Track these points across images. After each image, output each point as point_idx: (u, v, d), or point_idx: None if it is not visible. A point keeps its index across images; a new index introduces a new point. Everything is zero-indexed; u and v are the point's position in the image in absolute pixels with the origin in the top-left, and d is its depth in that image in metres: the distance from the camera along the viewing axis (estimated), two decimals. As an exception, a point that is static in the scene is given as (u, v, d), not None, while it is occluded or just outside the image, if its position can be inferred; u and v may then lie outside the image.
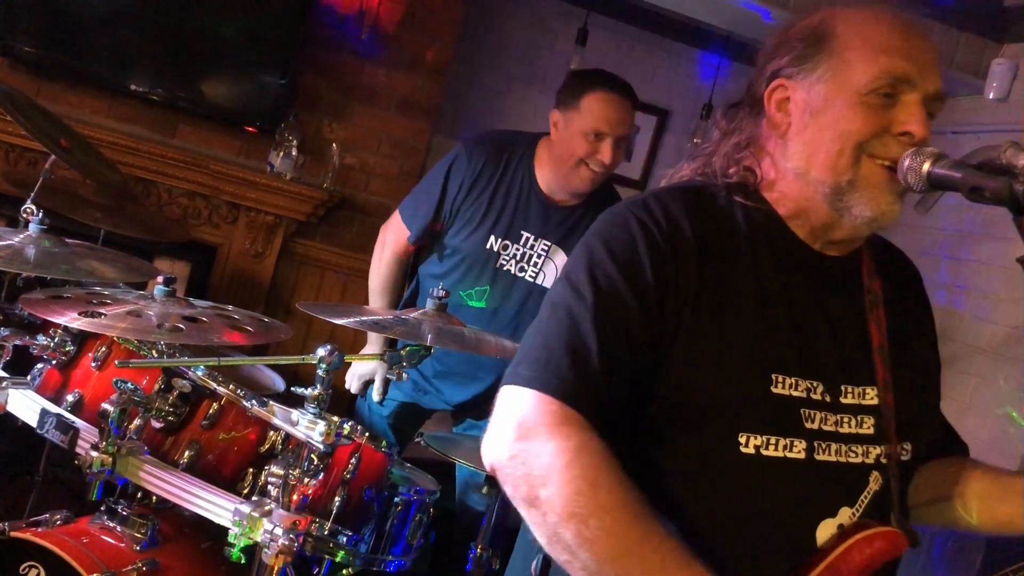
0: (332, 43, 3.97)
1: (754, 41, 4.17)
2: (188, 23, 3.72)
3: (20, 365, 1.87)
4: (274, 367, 2.54)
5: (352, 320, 1.78)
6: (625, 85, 2.46)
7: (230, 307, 1.87)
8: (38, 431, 1.69)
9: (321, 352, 1.54)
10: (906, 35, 1.20)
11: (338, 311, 1.88)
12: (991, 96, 3.79)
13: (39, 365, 1.85)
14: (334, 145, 4.00)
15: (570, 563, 1.03)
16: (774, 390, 1.16)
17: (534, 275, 2.53)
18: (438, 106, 4.20)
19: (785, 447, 1.15)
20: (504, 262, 2.53)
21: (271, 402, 1.63)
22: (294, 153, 3.88)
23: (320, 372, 1.55)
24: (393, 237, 2.67)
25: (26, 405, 1.75)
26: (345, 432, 1.57)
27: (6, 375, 1.81)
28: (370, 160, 4.12)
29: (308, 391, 1.55)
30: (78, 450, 1.63)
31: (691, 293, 1.16)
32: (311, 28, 3.89)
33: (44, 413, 1.69)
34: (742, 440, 1.13)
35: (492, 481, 1.19)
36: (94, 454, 1.56)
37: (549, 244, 2.51)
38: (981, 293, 3.72)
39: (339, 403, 3.88)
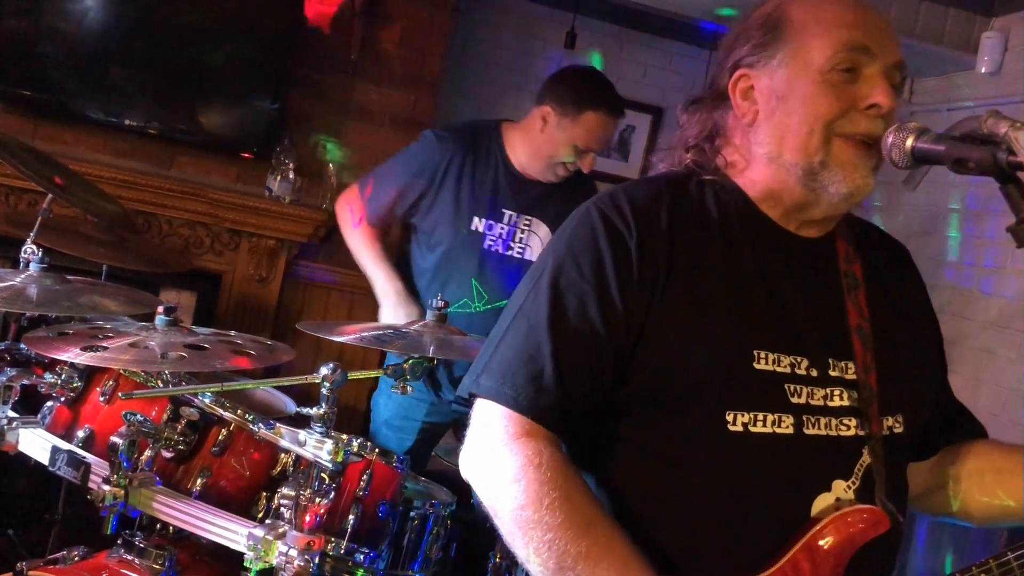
0: (322, 64, 3.99)
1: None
2: (177, 55, 3.75)
3: (30, 404, 1.87)
4: (283, 389, 2.54)
5: (351, 337, 1.79)
6: (620, 104, 2.54)
7: (232, 332, 1.88)
8: (50, 468, 1.70)
9: (324, 371, 1.54)
10: (856, 9, 1.22)
11: (338, 329, 1.88)
12: (983, 70, 3.77)
13: (48, 403, 1.85)
14: (330, 165, 4.01)
15: (525, 564, 1.10)
16: (757, 366, 1.17)
17: (521, 251, 2.58)
18: (432, 120, 4.21)
19: (773, 423, 1.16)
20: (491, 243, 2.57)
21: (278, 424, 1.63)
22: (291, 176, 3.89)
23: (324, 391, 1.55)
24: (348, 217, 2.68)
25: (37, 444, 1.76)
26: (354, 449, 1.57)
27: (16, 415, 1.82)
28: (368, 178, 4.13)
29: (313, 411, 1.55)
30: (91, 485, 1.64)
31: (660, 276, 1.18)
32: (300, 51, 3.91)
33: (55, 450, 1.70)
34: (729, 418, 1.15)
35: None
36: (106, 488, 1.57)
37: (531, 218, 2.58)
38: (987, 268, 3.70)
39: (352, 420, 3.90)
